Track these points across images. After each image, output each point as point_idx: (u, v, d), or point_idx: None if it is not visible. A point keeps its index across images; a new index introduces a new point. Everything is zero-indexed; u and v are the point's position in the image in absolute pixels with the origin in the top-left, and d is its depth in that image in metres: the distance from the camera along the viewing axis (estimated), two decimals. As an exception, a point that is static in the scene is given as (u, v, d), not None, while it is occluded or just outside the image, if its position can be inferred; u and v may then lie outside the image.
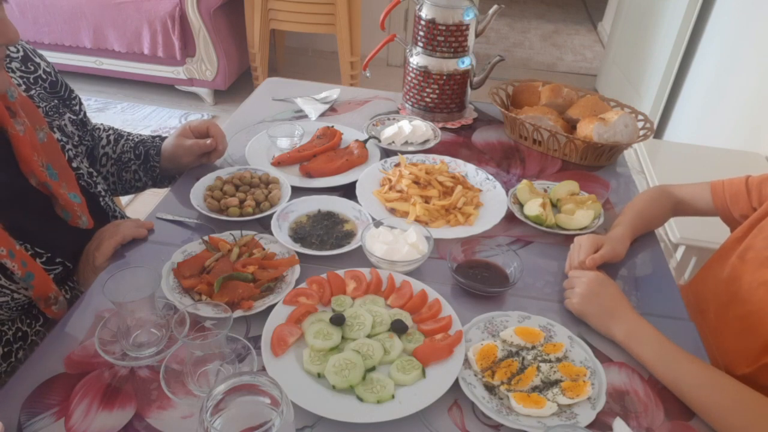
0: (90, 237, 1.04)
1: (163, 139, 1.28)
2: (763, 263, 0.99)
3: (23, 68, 1.06)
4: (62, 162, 1.01)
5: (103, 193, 1.14)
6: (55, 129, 1.05)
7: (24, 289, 0.92)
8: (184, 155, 1.23)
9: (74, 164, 1.06)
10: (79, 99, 1.18)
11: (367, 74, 1.62)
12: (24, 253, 0.90)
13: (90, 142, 1.20)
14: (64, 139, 1.07)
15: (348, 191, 1.21)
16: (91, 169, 1.13)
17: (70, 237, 1.01)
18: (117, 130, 1.30)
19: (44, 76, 1.09)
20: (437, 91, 1.48)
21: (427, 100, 1.50)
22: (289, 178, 1.21)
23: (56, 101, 1.11)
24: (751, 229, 1.04)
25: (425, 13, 1.42)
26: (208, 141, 1.21)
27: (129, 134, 1.30)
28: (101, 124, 1.30)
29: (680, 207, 1.17)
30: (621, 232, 1.07)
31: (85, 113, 1.19)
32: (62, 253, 1.00)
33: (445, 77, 1.47)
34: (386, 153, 1.36)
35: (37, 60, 1.09)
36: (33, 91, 1.06)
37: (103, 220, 1.11)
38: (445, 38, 1.43)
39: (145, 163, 1.27)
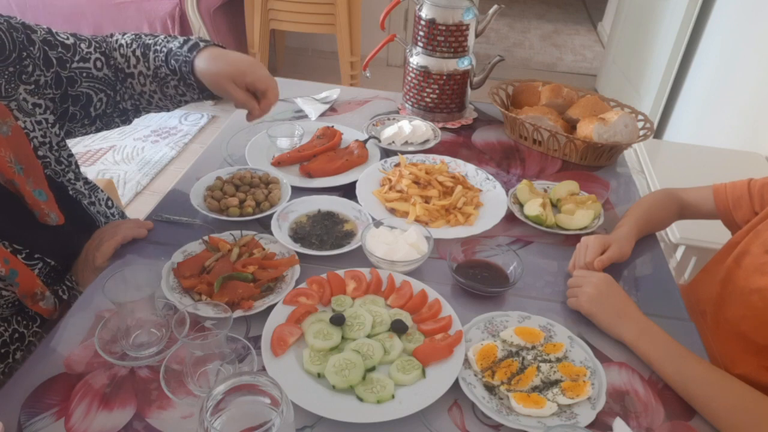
0: (66, 231, 1.01)
1: (193, 49, 1.08)
2: (758, 269, 0.99)
3: None
4: (28, 153, 0.95)
5: (73, 180, 1.08)
6: (15, 112, 0.97)
7: (10, 285, 0.91)
8: (226, 97, 1.09)
9: (40, 152, 1.01)
10: (42, 38, 1.02)
11: (367, 74, 1.62)
12: (5, 251, 0.89)
13: (55, 91, 1.05)
14: (27, 120, 0.99)
15: (348, 191, 1.21)
16: (59, 156, 1.05)
17: (44, 232, 0.99)
18: (141, 39, 1.13)
19: None
20: (437, 91, 1.48)
21: (427, 100, 1.50)
22: (289, 178, 1.21)
23: (9, 71, 0.97)
24: (748, 232, 1.04)
25: (425, 13, 1.42)
26: (256, 113, 1.10)
27: (155, 42, 1.12)
28: (122, 37, 1.14)
29: (685, 211, 1.17)
30: (626, 232, 1.07)
31: (54, 47, 1.03)
32: (40, 249, 0.98)
33: (445, 77, 1.47)
34: (386, 153, 1.36)
35: None
36: None
37: (75, 210, 1.07)
38: (445, 38, 1.43)
39: (184, 80, 1.12)
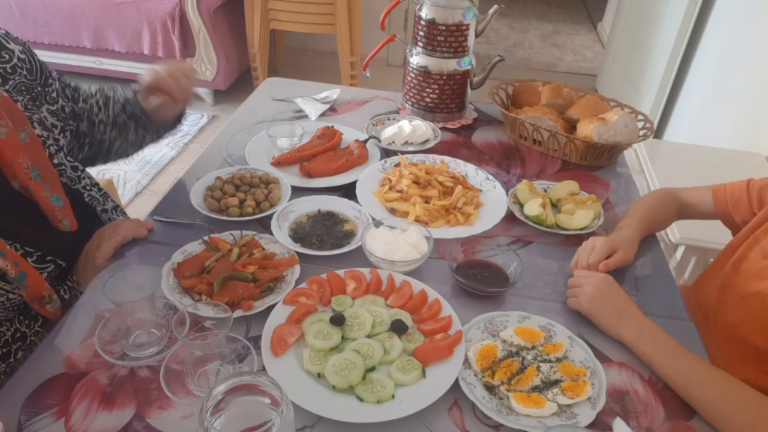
0: (79, 234, 1.03)
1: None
2: (756, 274, 0.99)
3: None
4: (44, 161, 0.98)
5: (89, 187, 1.11)
6: (35, 124, 1.01)
7: (17, 288, 0.92)
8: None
9: (56, 160, 1.03)
10: (57, 77, 1.12)
11: (367, 74, 1.62)
12: (15, 254, 0.90)
13: (72, 124, 1.14)
14: (45, 134, 1.03)
15: (348, 191, 1.21)
16: (75, 163, 1.10)
17: (58, 236, 1.00)
18: (103, 90, 1.22)
19: (20, 64, 1.02)
20: (437, 91, 1.48)
21: (427, 100, 1.50)
22: (289, 178, 1.21)
23: (37, 89, 1.04)
24: (747, 237, 1.04)
25: (425, 13, 1.42)
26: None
27: (114, 92, 1.22)
28: (89, 88, 1.21)
29: (685, 211, 1.17)
30: (631, 235, 1.06)
31: (67, 86, 1.14)
32: (52, 251, 0.99)
33: (445, 77, 1.47)
34: (386, 153, 1.36)
35: (11, 46, 1.02)
36: (10, 83, 1.00)
37: (90, 216, 1.09)
38: (445, 38, 1.43)
39: (141, 122, 1.21)
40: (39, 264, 0.96)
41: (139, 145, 1.27)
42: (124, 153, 1.27)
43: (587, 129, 1.35)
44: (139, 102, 1.18)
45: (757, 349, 0.97)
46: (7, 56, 1.01)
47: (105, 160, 1.28)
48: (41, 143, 1.00)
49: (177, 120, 1.28)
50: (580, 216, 1.14)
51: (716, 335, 1.04)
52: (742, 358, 0.99)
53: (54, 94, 1.09)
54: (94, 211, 1.12)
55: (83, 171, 1.12)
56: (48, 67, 1.10)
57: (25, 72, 1.03)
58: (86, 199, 1.10)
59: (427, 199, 1.17)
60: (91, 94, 1.20)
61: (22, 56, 1.03)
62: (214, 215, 1.09)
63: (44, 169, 0.97)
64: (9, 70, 1.00)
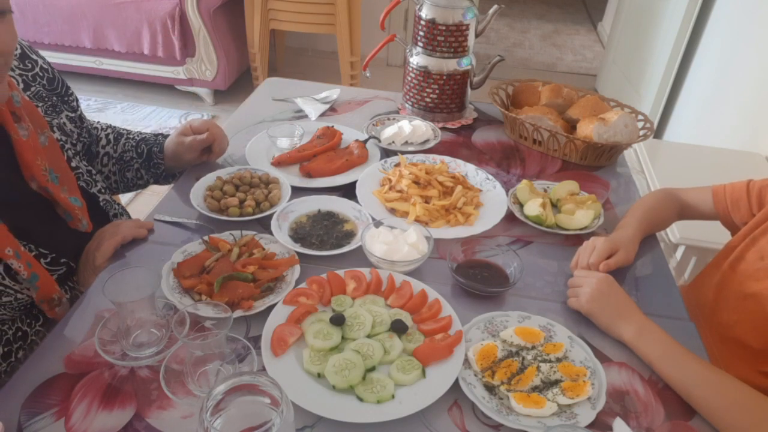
0: (92, 237, 1.04)
1: (165, 136, 1.29)
2: (752, 275, 0.99)
3: (21, 66, 1.06)
4: (62, 164, 1.01)
5: (103, 191, 1.14)
6: (54, 128, 1.06)
7: (27, 289, 0.92)
8: (186, 152, 1.23)
9: (73, 164, 1.07)
10: (76, 96, 1.18)
11: (367, 74, 1.62)
12: (29, 255, 0.91)
13: (87, 138, 1.20)
14: (64, 138, 1.07)
15: (348, 191, 1.21)
16: (89, 167, 1.13)
17: (72, 237, 1.02)
18: (115, 128, 1.30)
19: (41, 73, 1.09)
20: (437, 91, 1.48)
21: (427, 100, 1.50)
22: (289, 178, 1.21)
23: (54, 98, 1.11)
24: (745, 237, 1.04)
25: (425, 13, 1.42)
26: (204, 135, 1.21)
27: (129, 132, 1.30)
28: (98, 122, 1.29)
29: (685, 211, 1.17)
30: (632, 236, 1.06)
31: (81, 110, 1.20)
32: (66, 253, 1.00)
33: (445, 77, 1.47)
34: (386, 153, 1.36)
35: (35, 57, 1.09)
36: (32, 89, 1.06)
37: (103, 220, 1.11)
38: (445, 38, 1.43)
39: (148, 161, 1.28)
40: (52, 266, 0.97)
41: (129, 186, 1.33)
42: (114, 188, 1.32)
43: (587, 129, 1.35)
44: (159, 141, 1.28)
45: (751, 349, 0.97)
46: (30, 65, 1.08)
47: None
48: (59, 147, 1.03)
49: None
50: (580, 216, 1.14)
51: (712, 334, 1.04)
52: (737, 358, 0.99)
53: (74, 104, 1.16)
54: (107, 215, 1.13)
55: (97, 175, 1.15)
56: (70, 87, 1.16)
57: (45, 82, 1.10)
58: (101, 203, 1.12)
59: (427, 199, 1.17)
60: (102, 128, 1.28)
61: (45, 66, 1.11)
62: (214, 215, 1.09)
63: (62, 171, 1.00)
64: (31, 78, 1.07)
